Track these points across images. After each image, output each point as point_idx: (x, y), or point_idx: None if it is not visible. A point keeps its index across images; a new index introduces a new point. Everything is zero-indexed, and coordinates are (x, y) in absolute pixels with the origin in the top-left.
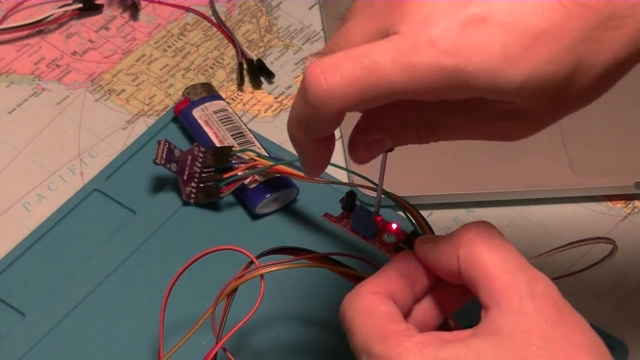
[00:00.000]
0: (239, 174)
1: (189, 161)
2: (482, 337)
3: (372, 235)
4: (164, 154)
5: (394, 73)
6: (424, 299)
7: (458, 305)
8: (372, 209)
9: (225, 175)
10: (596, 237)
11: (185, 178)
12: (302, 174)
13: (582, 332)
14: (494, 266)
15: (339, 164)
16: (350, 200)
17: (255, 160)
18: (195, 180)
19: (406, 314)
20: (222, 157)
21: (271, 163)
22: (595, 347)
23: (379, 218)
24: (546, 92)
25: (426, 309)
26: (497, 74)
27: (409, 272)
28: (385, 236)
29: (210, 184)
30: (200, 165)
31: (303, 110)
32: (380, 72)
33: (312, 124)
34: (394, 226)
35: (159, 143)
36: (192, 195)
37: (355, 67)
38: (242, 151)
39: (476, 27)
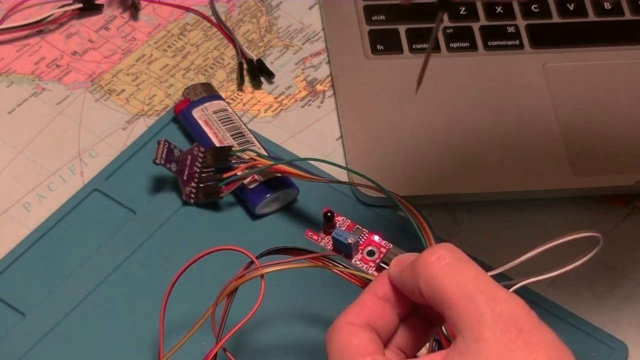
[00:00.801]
0: (239, 173)
1: (188, 161)
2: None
3: (351, 253)
4: (163, 154)
5: None
6: (411, 316)
7: (439, 322)
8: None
9: (225, 175)
10: (581, 231)
11: (185, 178)
12: (302, 174)
13: (545, 352)
14: (452, 293)
15: (339, 164)
16: (328, 220)
17: (255, 160)
18: (195, 180)
19: (392, 334)
20: (222, 157)
21: (271, 163)
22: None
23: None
24: None
25: (412, 325)
26: None
27: (387, 294)
28: (366, 252)
29: (210, 184)
30: (200, 165)
31: None
32: None
33: None
34: (377, 238)
35: (158, 143)
36: (192, 195)
37: None
38: (242, 151)
39: None
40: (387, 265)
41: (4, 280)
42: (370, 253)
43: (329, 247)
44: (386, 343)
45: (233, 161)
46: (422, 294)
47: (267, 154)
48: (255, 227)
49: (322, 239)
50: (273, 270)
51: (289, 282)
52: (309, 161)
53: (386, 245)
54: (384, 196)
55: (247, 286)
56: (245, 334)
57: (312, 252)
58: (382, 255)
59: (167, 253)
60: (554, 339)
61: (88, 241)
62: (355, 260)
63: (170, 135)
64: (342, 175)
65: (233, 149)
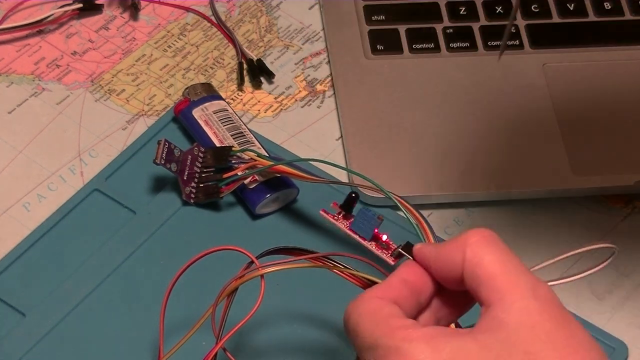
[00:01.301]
0: (239, 174)
1: (188, 161)
2: (487, 332)
3: (370, 237)
4: (163, 154)
5: None
6: (426, 309)
7: (456, 315)
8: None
9: (225, 175)
10: (597, 244)
11: (185, 178)
12: (302, 174)
13: (584, 334)
14: (497, 267)
15: (339, 164)
16: (351, 200)
17: (255, 160)
18: (195, 180)
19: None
20: (222, 157)
21: (271, 163)
22: (597, 349)
23: (380, 217)
24: None
25: (427, 318)
26: None
27: (415, 280)
28: (381, 243)
29: (210, 184)
30: (200, 165)
31: None
32: None
33: None
34: (384, 237)
35: (158, 143)
36: (192, 195)
37: None
38: (242, 151)
39: None
40: (406, 253)
41: (4, 280)
42: (384, 245)
43: (346, 226)
44: None
45: (233, 161)
46: (465, 262)
47: (267, 154)
48: (255, 227)
49: (338, 219)
50: (273, 270)
51: (289, 282)
52: (309, 161)
53: (394, 245)
54: (384, 196)
55: (247, 286)
56: (245, 334)
57: (312, 252)
58: (396, 247)
59: (167, 253)
60: (586, 331)
61: (88, 241)
62: (372, 244)
63: (170, 135)
64: (341, 175)
65: (233, 149)
